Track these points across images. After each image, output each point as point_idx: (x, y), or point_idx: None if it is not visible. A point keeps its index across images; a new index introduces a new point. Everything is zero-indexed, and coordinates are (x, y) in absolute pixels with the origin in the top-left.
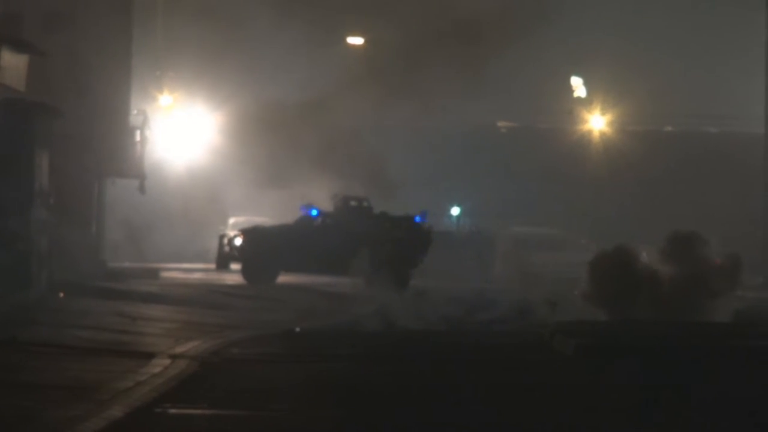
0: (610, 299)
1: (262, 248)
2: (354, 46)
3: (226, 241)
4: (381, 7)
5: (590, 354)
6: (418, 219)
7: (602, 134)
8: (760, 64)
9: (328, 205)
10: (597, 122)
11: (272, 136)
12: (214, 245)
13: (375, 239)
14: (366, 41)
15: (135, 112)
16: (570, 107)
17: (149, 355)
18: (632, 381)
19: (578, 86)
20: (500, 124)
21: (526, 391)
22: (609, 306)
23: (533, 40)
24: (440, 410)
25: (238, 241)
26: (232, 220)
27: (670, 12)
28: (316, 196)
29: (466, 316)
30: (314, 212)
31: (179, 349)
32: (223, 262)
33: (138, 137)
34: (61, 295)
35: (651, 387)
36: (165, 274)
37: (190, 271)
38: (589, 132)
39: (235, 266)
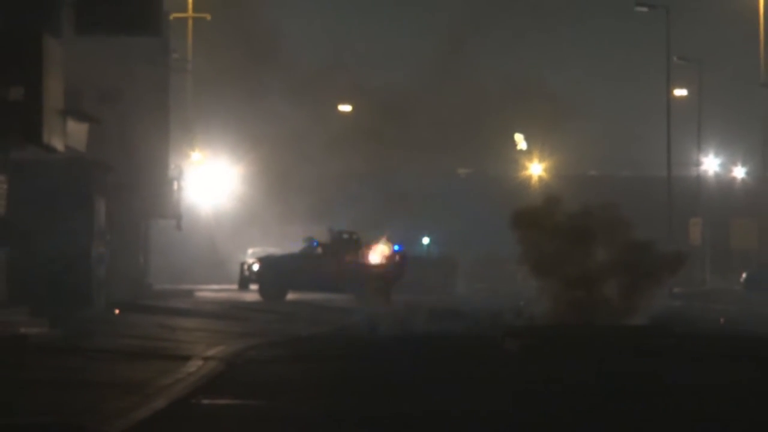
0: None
1: (275, 272)
2: (344, 113)
3: (246, 267)
4: (368, 81)
5: (532, 353)
6: (395, 248)
7: (540, 179)
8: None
9: (325, 237)
10: (536, 169)
11: (282, 183)
12: (236, 270)
13: (362, 264)
14: (353, 108)
15: (172, 166)
16: (514, 157)
17: (186, 358)
18: (560, 375)
19: (521, 141)
20: (460, 170)
21: (477, 379)
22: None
23: (489, 107)
24: (408, 395)
25: (256, 267)
26: (250, 251)
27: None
28: (316, 230)
29: (438, 323)
30: (315, 243)
31: (210, 353)
32: (243, 284)
33: (175, 186)
34: (116, 311)
35: (571, 379)
36: (198, 294)
37: (218, 291)
38: (530, 177)
39: (253, 287)
